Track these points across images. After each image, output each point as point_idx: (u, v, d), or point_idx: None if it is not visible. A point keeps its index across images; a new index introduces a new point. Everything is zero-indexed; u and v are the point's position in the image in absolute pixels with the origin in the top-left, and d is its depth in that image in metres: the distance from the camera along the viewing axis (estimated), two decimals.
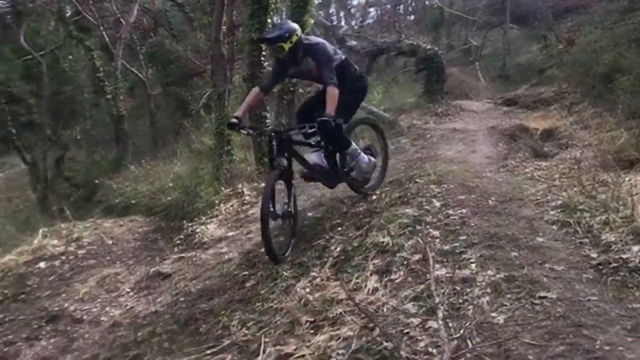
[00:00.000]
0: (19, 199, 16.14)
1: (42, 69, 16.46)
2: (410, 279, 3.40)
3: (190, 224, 6.51)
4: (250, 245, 5.26)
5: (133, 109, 17.76)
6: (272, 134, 4.44)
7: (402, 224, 4.11)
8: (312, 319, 3.23)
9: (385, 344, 2.73)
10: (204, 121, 12.16)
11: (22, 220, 11.57)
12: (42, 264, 5.89)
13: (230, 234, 5.84)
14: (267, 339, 3.16)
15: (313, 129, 4.32)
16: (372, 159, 5.03)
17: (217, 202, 6.91)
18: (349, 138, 4.77)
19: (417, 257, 3.60)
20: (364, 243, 4.02)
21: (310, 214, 5.29)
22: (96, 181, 12.39)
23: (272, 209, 4.13)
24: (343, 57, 4.74)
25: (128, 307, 4.78)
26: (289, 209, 4.43)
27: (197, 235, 6.08)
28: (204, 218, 6.59)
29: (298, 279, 3.84)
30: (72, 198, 13.77)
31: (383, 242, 3.91)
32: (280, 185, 4.41)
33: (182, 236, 6.33)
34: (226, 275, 4.60)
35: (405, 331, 2.84)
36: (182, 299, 4.46)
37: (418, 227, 4.01)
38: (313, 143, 4.80)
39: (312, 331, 3.13)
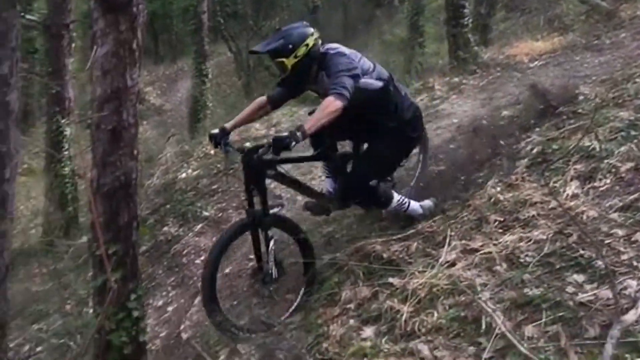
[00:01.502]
0: (225, 84, 17.81)
1: None
2: (618, 188, 3.09)
3: None
4: (438, 141, 5.22)
5: None
6: (242, 154, 3.14)
7: (613, 127, 3.67)
8: (501, 219, 3.16)
9: (582, 251, 2.59)
10: (396, 11, 11.84)
11: (230, 103, 12.83)
12: (247, 144, 6.55)
13: None
14: (452, 233, 3.19)
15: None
16: (428, 205, 3.67)
17: None
18: (387, 194, 3.49)
19: (628, 165, 3.23)
20: (566, 146, 3.71)
21: (505, 112, 5.01)
22: None
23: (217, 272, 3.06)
24: (387, 78, 3.31)
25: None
26: (269, 271, 3.17)
27: None
28: None
29: (488, 177, 3.74)
30: (271, 85, 14.73)
31: (588, 146, 3.55)
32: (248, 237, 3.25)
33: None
34: (412, 169, 4.65)
35: (607, 242, 2.64)
36: None
37: (633, 133, 3.56)
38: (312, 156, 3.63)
39: (500, 230, 3.07)
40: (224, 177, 5.87)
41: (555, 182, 3.33)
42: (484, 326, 2.32)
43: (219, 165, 6.14)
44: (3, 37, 1.68)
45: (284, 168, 3.31)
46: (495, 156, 4.11)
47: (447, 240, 3.10)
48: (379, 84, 3.24)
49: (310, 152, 3.59)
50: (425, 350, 2.34)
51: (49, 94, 7.18)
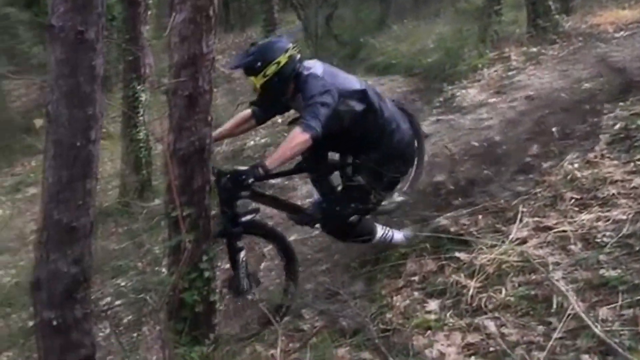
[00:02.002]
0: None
1: None
2: None
3: (450, 87, 6.42)
4: (512, 114, 5.02)
5: None
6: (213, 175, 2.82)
7: None
8: (578, 197, 3.03)
9: None
10: None
11: None
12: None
13: (491, 100, 5.62)
14: (524, 209, 3.10)
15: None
16: (410, 235, 3.28)
17: (480, 65, 6.63)
18: (369, 228, 3.13)
19: None
20: None
21: (586, 85, 4.76)
22: (360, 40, 12.88)
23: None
24: (373, 102, 2.94)
25: None
26: (241, 282, 2.93)
27: (456, 99, 5.99)
28: (465, 82, 6.41)
29: (565, 153, 3.58)
30: (339, 55, 14.61)
31: None
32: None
33: (441, 99, 6.31)
34: (484, 141, 4.51)
35: None
36: (437, 159, 4.57)
37: None
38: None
39: (576, 209, 2.95)
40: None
41: (638, 160, 3.15)
42: (555, 306, 2.26)
43: (286, 134, 6.19)
44: (89, 3, 1.74)
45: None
46: (573, 131, 3.93)
47: (519, 217, 3.02)
48: (361, 106, 2.90)
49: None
50: (492, 326, 2.30)
51: (126, 60, 7.43)
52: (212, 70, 2.49)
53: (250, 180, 2.62)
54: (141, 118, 7.30)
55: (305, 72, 2.85)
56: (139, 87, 7.10)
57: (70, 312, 1.87)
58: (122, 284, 4.59)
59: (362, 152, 3.08)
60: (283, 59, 2.78)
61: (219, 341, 2.75)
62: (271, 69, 2.76)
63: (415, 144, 3.35)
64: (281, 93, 2.88)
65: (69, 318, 1.86)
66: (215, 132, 3.00)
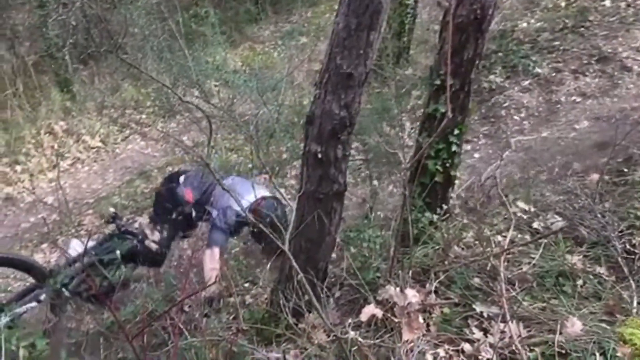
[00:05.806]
0: None
1: None
2: None
3: None
4: None
5: None
6: None
7: None
8: None
9: None
10: None
11: None
12: (607, 2, 5.67)
13: None
14: None
15: None
16: None
17: None
18: None
19: None
20: None
21: None
22: None
23: None
24: None
25: None
26: None
27: None
28: None
29: None
30: None
31: None
32: None
33: None
34: None
35: None
36: None
37: None
38: None
39: None
40: (568, 35, 5.28)
41: None
42: None
43: (566, 20, 5.53)
44: None
45: None
46: None
47: None
48: None
49: None
50: None
51: None
52: None
53: None
54: None
55: None
56: None
57: (332, 150, 2.06)
58: (367, 141, 4.88)
59: None
60: None
61: (449, 213, 2.82)
62: None
63: None
64: None
65: (331, 155, 2.07)
66: None
